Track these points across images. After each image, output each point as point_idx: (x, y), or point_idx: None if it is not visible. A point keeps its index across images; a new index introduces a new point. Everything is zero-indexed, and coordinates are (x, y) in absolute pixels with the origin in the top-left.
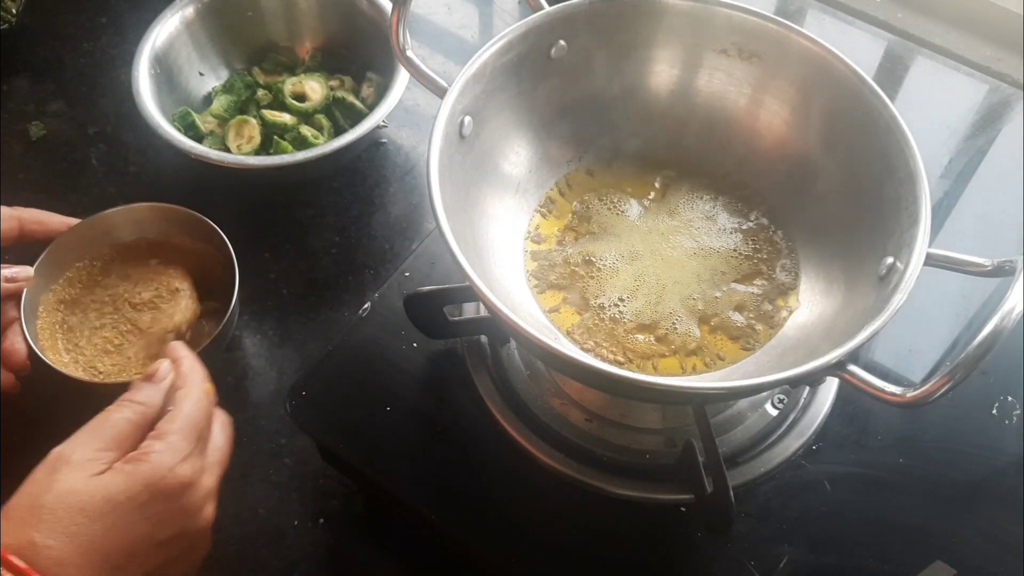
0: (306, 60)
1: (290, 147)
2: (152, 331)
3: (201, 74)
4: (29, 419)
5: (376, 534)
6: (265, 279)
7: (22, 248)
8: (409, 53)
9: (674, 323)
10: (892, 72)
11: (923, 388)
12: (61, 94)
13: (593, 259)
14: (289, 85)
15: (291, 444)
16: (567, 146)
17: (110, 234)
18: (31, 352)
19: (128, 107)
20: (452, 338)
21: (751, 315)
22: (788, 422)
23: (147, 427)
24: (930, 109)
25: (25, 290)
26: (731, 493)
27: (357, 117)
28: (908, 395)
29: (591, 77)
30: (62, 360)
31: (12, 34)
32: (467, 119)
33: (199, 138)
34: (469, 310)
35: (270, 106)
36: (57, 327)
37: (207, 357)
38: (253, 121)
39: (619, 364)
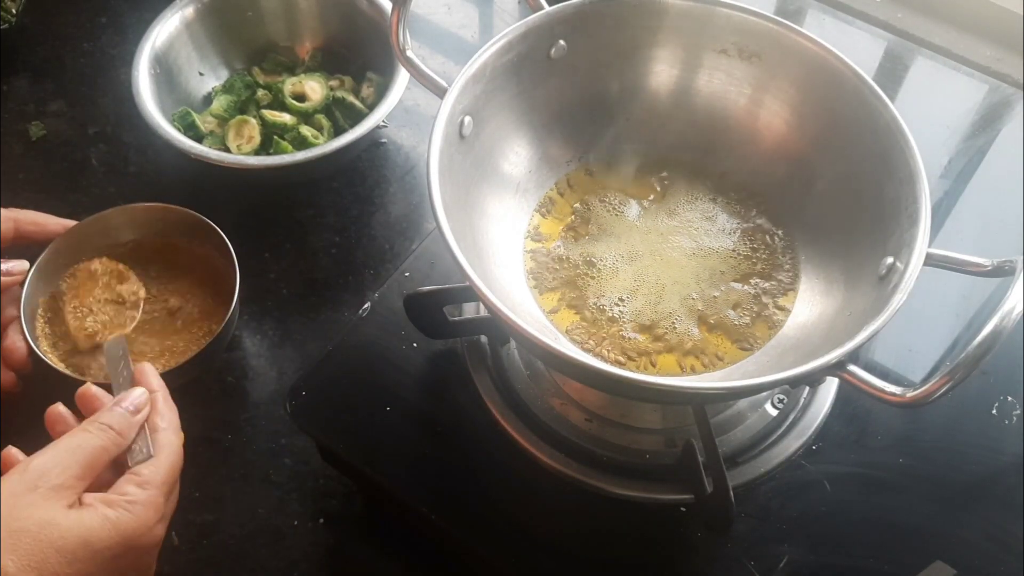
0: (306, 60)
1: (290, 147)
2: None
3: (201, 74)
4: (28, 419)
5: (376, 534)
6: (265, 279)
7: (20, 249)
8: (409, 53)
9: (673, 323)
10: (892, 72)
11: (923, 388)
12: (61, 94)
13: (593, 259)
14: (289, 85)
15: (291, 444)
16: (567, 146)
17: (109, 235)
18: (31, 352)
19: (128, 107)
20: (452, 338)
21: (751, 315)
22: (788, 422)
23: (119, 451)
24: (930, 109)
25: (25, 290)
26: (731, 493)
27: (357, 117)
28: (908, 395)
29: (591, 77)
30: (61, 362)
31: (12, 34)
32: (467, 119)
33: (199, 138)
34: (469, 310)
35: (270, 106)
36: (56, 328)
37: (207, 357)
38: (253, 121)
39: (619, 364)
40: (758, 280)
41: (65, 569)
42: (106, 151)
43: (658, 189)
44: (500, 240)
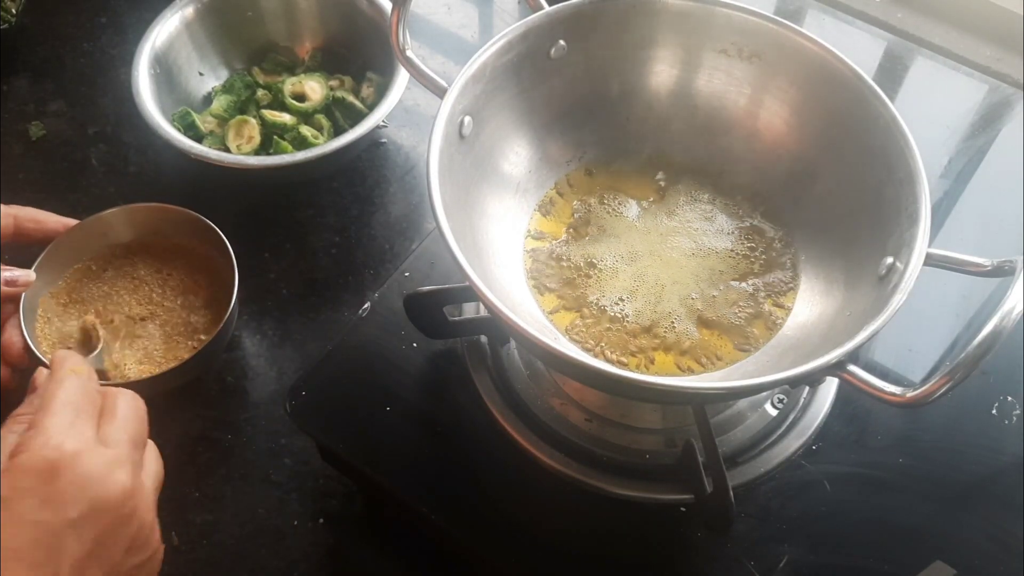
0: (306, 60)
1: (290, 147)
2: (153, 334)
3: (201, 74)
4: None
5: (376, 534)
6: (265, 279)
7: (19, 248)
8: (409, 53)
9: (673, 323)
10: (892, 72)
11: (923, 388)
12: (61, 94)
13: (593, 259)
14: (289, 85)
15: (291, 444)
16: (567, 146)
17: (109, 235)
18: (30, 353)
19: (128, 107)
20: (452, 338)
21: (750, 315)
22: (788, 422)
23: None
24: (930, 109)
25: (21, 293)
26: (731, 493)
27: (357, 117)
28: (908, 395)
29: (591, 77)
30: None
31: (12, 34)
32: (467, 119)
33: (199, 138)
34: (469, 310)
35: (270, 106)
36: (55, 328)
37: (207, 357)
38: (253, 121)
39: (619, 364)
40: (758, 280)
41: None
42: (106, 151)
43: (658, 189)
44: (500, 240)
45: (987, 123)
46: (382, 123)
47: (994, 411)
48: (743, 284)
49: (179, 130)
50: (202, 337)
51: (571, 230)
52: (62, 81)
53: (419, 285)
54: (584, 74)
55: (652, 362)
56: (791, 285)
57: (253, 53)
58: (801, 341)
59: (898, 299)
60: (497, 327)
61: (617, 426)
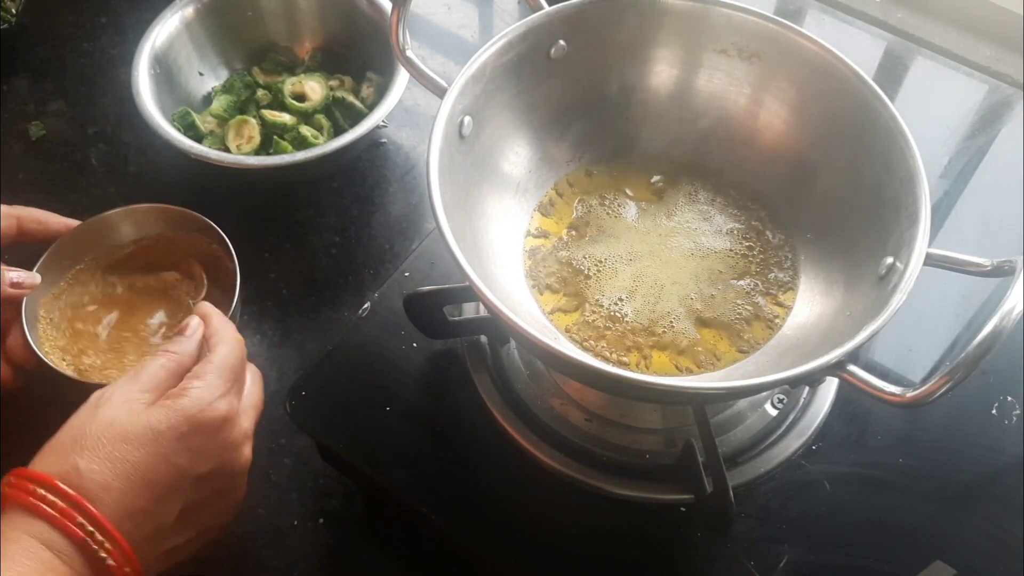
0: (306, 60)
1: (290, 147)
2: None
3: (201, 74)
4: (29, 421)
5: (376, 534)
6: (265, 279)
7: (20, 248)
8: (409, 53)
9: (672, 323)
10: (892, 72)
11: (923, 388)
12: (61, 94)
13: (592, 259)
14: (289, 85)
15: (291, 444)
16: (567, 146)
17: (111, 235)
18: (32, 355)
19: (128, 107)
20: (452, 338)
21: (750, 315)
22: (788, 422)
23: (182, 374)
24: (930, 109)
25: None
26: (731, 493)
27: (357, 117)
28: (908, 395)
29: (591, 77)
30: (63, 363)
31: (12, 34)
32: (467, 119)
33: (199, 138)
34: (469, 310)
35: (270, 106)
36: (58, 329)
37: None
38: (253, 121)
39: (618, 364)
40: (757, 280)
41: (134, 454)
42: (106, 151)
43: (657, 189)
44: (500, 240)
45: (987, 123)
46: (382, 123)
47: (994, 411)
48: (742, 284)
49: (179, 130)
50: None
51: (571, 230)
52: (62, 81)
53: (419, 285)
54: (584, 74)
55: (651, 362)
56: (791, 285)
57: (253, 53)
58: (801, 341)
59: (898, 299)
60: (497, 327)
61: (617, 426)
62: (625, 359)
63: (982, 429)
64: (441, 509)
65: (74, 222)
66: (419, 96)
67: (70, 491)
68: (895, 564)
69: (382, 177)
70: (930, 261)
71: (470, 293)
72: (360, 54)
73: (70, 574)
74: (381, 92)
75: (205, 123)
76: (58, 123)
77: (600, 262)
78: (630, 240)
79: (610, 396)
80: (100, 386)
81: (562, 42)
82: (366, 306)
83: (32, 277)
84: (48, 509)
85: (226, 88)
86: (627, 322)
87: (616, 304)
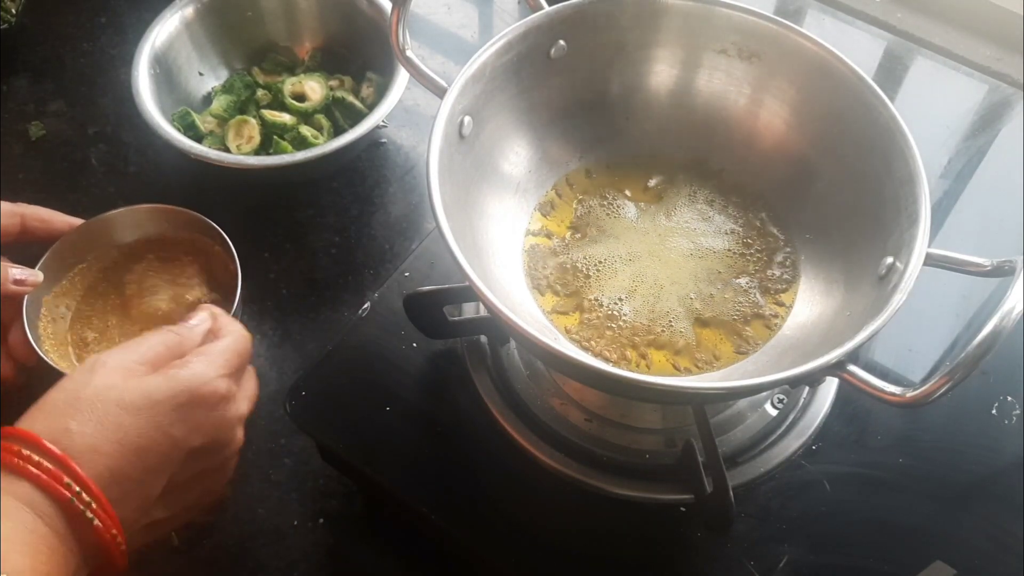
0: (306, 60)
1: (290, 147)
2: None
3: (201, 74)
4: None
5: (376, 534)
6: (265, 279)
7: (22, 246)
8: (409, 53)
9: (671, 323)
10: (892, 72)
11: (923, 388)
12: (61, 94)
13: (592, 259)
14: (289, 85)
15: (291, 444)
16: (567, 146)
17: (113, 235)
18: (33, 352)
19: (128, 107)
20: (452, 338)
21: (749, 315)
22: (788, 422)
23: (181, 355)
24: (930, 109)
25: (27, 293)
26: (731, 493)
27: (357, 117)
28: (908, 395)
29: (591, 77)
30: (64, 361)
31: (12, 34)
32: (467, 119)
33: (199, 138)
34: (469, 310)
35: (270, 106)
36: (59, 328)
37: None
38: (253, 121)
39: (618, 364)
40: (757, 280)
41: (128, 420)
42: (106, 151)
43: (657, 189)
44: (500, 240)
45: (987, 123)
46: (382, 123)
47: (994, 411)
48: (742, 284)
49: (179, 130)
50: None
51: (571, 230)
52: (62, 81)
53: (419, 285)
54: (584, 74)
55: (651, 362)
56: (790, 285)
57: (253, 53)
58: (801, 341)
59: (898, 299)
60: (497, 327)
61: (617, 426)
62: (625, 359)
63: (982, 429)
64: (441, 509)
65: (78, 221)
66: (419, 96)
67: (58, 451)
68: (895, 564)
69: (382, 177)
70: (930, 261)
71: (470, 293)
72: (360, 54)
73: (52, 536)
74: (381, 92)
75: (205, 123)
76: (58, 123)
77: (600, 262)
78: (630, 240)
79: (610, 396)
80: None
81: (562, 42)
82: (366, 306)
83: (34, 275)
84: (33, 469)
85: (226, 88)
86: (627, 322)
87: (616, 304)
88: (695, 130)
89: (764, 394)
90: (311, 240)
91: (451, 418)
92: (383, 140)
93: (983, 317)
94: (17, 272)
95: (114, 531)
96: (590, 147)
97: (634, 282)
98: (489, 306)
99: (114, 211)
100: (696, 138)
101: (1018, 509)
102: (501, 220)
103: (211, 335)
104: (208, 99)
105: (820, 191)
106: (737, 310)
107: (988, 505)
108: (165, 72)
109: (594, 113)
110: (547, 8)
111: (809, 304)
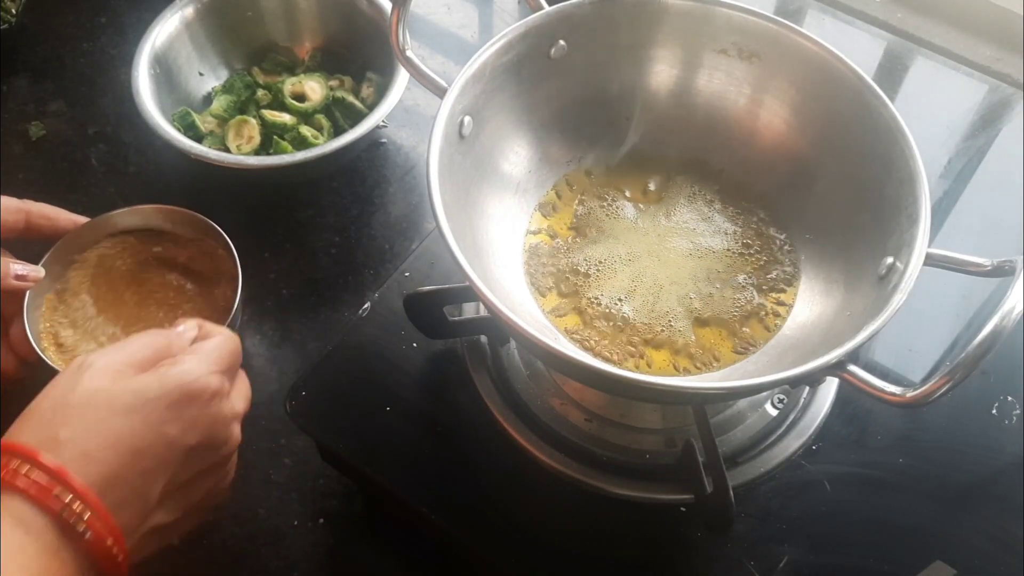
0: (306, 60)
1: (290, 147)
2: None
3: (201, 74)
4: None
5: (376, 534)
6: (265, 279)
7: (26, 243)
8: (409, 53)
9: (671, 322)
10: (892, 72)
11: (923, 388)
12: (61, 94)
13: (592, 259)
14: (289, 85)
15: (291, 444)
16: (567, 146)
17: (114, 235)
18: (32, 349)
19: (128, 107)
20: (452, 338)
21: (749, 315)
22: (788, 422)
23: (169, 355)
24: (930, 109)
25: (29, 289)
26: (731, 493)
27: (357, 117)
28: (908, 395)
29: (591, 77)
30: (60, 360)
31: (12, 34)
32: (467, 119)
33: (199, 138)
34: (469, 310)
35: (270, 106)
36: (59, 325)
37: None
38: (253, 121)
39: (618, 364)
40: (757, 280)
41: (120, 422)
42: (106, 151)
43: (657, 189)
44: (500, 240)
45: (987, 123)
46: (382, 123)
47: (994, 411)
48: (742, 284)
49: (179, 130)
50: None
51: (571, 230)
52: (62, 81)
53: (419, 285)
54: (584, 74)
55: (651, 362)
56: (790, 285)
57: (253, 53)
58: (801, 341)
59: (898, 299)
60: (497, 327)
61: (617, 426)
62: (625, 359)
63: (982, 429)
64: (441, 509)
65: (82, 219)
66: (419, 96)
67: (49, 463)
68: (895, 564)
69: (382, 177)
70: (930, 261)
71: (470, 293)
72: (360, 54)
73: (44, 554)
74: (381, 92)
75: (205, 123)
76: (58, 123)
77: (600, 262)
78: (629, 240)
79: (610, 396)
80: None
81: (562, 42)
82: (366, 306)
83: (36, 270)
84: (23, 482)
85: (226, 88)
86: (626, 322)
87: (615, 304)
88: (695, 130)
89: (764, 394)
90: (311, 240)
91: (451, 418)
92: (383, 140)
93: (983, 317)
94: (19, 268)
95: (110, 540)
96: (590, 147)
97: (634, 282)
98: (489, 306)
99: (116, 211)
100: (696, 138)
101: (1018, 509)
102: (501, 220)
103: (199, 340)
104: (208, 99)
105: (820, 191)
106: (737, 310)
107: (988, 505)
108: (165, 72)
109: (594, 113)
110: (547, 8)
111: (809, 304)
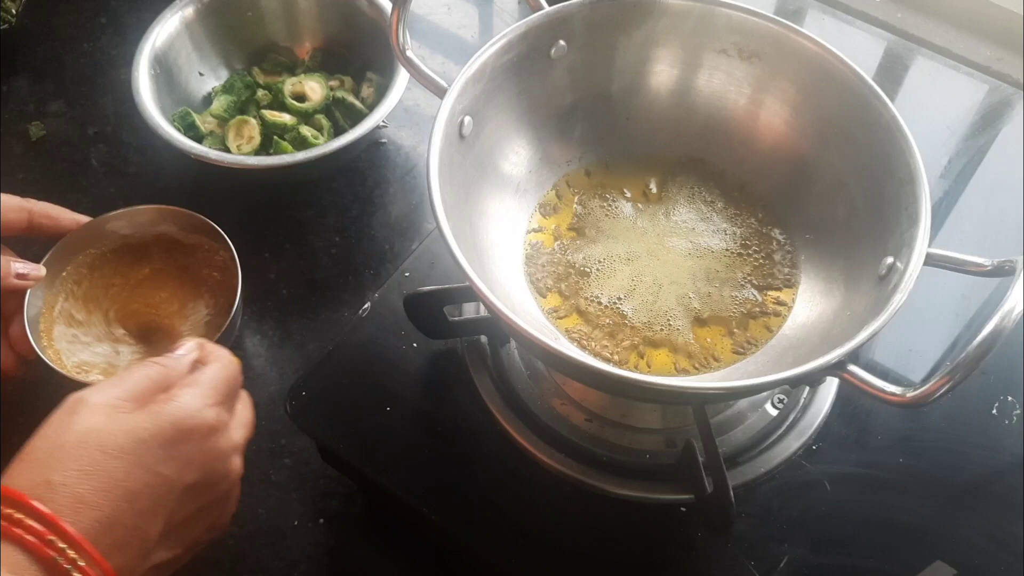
0: (306, 60)
1: (290, 147)
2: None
3: (201, 74)
4: (31, 418)
5: (376, 534)
6: (265, 279)
7: (27, 242)
8: (409, 53)
9: (670, 322)
10: (892, 72)
11: (923, 388)
12: (61, 94)
13: (591, 259)
14: (289, 85)
15: (291, 444)
16: (567, 146)
17: (116, 234)
18: (31, 348)
19: (128, 107)
20: (452, 338)
21: (749, 315)
22: (788, 422)
23: (166, 388)
24: (930, 109)
25: (30, 287)
26: (731, 493)
27: (357, 117)
28: (908, 395)
29: (591, 77)
30: (59, 359)
31: (12, 34)
32: (467, 119)
33: (199, 138)
34: (469, 310)
35: (270, 106)
36: (58, 325)
37: None
38: (253, 121)
39: (618, 364)
40: (756, 280)
41: (114, 465)
42: (106, 151)
43: (656, 189)
44: (500, 240)
45: (987, 123)
46: (382, 123)
47: (994, 411)
48: (741, 284)
49: (179, 130)
50: (206, 337)
51: (570, 230)
52: (62, 81)
53: (419, 285)
54: (584, 74)
55: (651, 362)
56: (790, 284)
57: (253, 53)
58: (801, 341)
59: (898, 299)
60: (497, 327)
61: (617, 426)
62: (625, 359)
63: (982, 429)
64: (441, 509)
65: (85, 218)
66: (419, 96)
67: (43, 509)
68: (895, 564)
69: (382, 177)
70: (930, 261)
71: (470, 293)
72: (360, 54)
73: None
74: (381, 92)
75: (205, 123)
76: (58, 123)
77: (599, 262)
78: (629, 240)
79: (610, 396)
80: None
81: (562, 42)
82: (366, 306)
83: (37, 269)
84: (17, 530)
85: (226, 88)
86: (626, 322)
87: (615, 303)
88: (695, 130)
89: (764, 394)
90: (311, 240)
91: (451, 418)
92: (383, 140)
93: (983, 317)
94: (20, 266)
95: None
96: (590, 147)
97: (633, 282)
98: (489, 306)
99: (116, 211)
100: (696, 138)
101: (1018, 509)
102: (501, 220)
103: (198, 364)
104: (208, 99)
105: (820, 191)
106: (736, 310)
107: (988, 505)
108: (165, 72)
109: (594, 113)
110: (547, 8)
111: (809, 304)
